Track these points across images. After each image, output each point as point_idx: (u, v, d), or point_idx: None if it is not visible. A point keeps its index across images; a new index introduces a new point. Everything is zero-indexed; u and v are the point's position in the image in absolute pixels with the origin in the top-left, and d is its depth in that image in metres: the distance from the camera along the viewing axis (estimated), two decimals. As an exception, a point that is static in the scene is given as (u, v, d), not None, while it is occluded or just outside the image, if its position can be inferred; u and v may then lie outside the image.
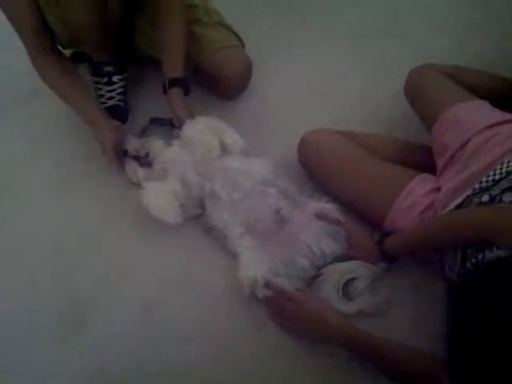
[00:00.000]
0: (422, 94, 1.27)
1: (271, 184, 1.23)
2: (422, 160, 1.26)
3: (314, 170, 1.30)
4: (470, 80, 1.26)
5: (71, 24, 1.27)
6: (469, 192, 1.03)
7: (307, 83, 1.56)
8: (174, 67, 1.31)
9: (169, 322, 1.20)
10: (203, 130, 1.26)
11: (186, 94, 1.33)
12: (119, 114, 1.50)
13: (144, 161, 1.33)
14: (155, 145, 1.31)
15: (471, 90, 1.21)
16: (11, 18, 1.23)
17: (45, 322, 1.23)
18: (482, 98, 1.18)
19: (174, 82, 1.31)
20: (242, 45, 1.50)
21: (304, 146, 1.31)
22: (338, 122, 1.41)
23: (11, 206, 1.42)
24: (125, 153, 1.33)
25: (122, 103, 1.51)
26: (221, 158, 1.26)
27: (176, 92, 1.30)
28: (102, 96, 1.50)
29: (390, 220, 1.15)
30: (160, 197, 1.22)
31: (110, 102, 1.50)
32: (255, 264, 1.14)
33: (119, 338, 1.19)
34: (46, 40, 1.29)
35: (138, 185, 1.32)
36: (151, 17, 1.38)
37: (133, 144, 1.34)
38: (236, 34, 1.48)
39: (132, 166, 1.33)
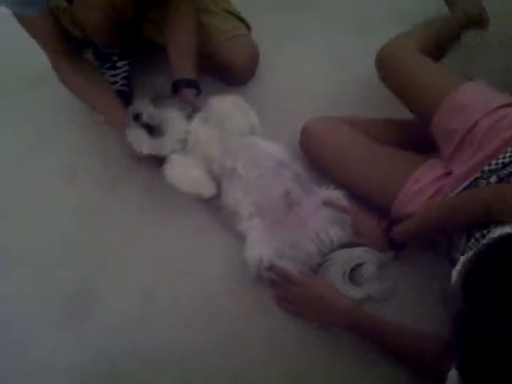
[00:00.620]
0: (405, 76, 1.22)
1: (287, 167, 1.22)
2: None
3: (317, 157, 1.30)
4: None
5: (83, 23, 1.26)
6: (477, 174, 1.03)
7: (312, 69, 1.56)
8: (187, 68, 1.30)
9: (171, 308, 1.20)
10: (233, 106, 1.24)
11: (198, 95, 1.33)
12: (123, 99, 1.47)
13: (158, 130, 1.22)
14: (174, 115, 1.23)
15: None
16: (38, 42, 1.26)
17: (47, 309, 1.22)
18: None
19: (187, 83, 1.29)
20: (249, 29, 1.50)
21: (306, 134, 1.30)
22: (342, 108, 1.41)
23: (14, 193, 1.41)
24: (136, 117, 1.23)
25: (126, 88, 1.49)
26: (246, 137, 1.24)
27: (190, 93, 1.30)
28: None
29: (398, 206, 1.15)
30: (191, 169, 1.19)
31: (114, 87, 1.48)
32: (261, 244, 1.13)
33: (121, 325, 1.18)
34: (69, 49, 1.30)
35: (139, 159, 1.27)
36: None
37: (149, 110, 1.23)
38: (242, 19, 1.48)
39: (139, 136, 1.23)
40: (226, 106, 1.24)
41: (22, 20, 1.20)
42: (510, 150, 1.00)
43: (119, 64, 1.48)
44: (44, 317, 1.21)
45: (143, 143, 1.22)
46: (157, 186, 1.35)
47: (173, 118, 1.23)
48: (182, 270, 1.25)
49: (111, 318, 1.20)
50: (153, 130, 1.22)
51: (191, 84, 1.29)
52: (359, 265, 1.17)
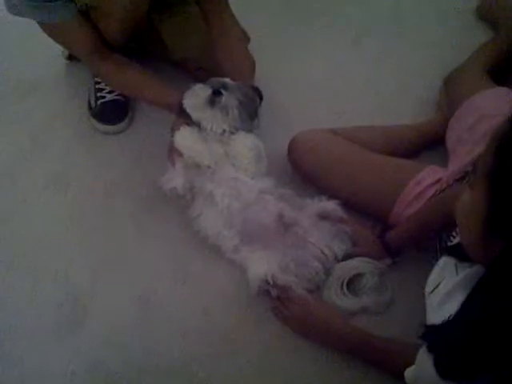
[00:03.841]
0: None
1: (268, 192, 1.20)
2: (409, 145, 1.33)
3: (309, 169, 1.27)
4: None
5: (102, 29, 1.24)
6: (469, 169, 1.04)
7: (309, 81, 1.57)
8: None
9: (166, 318, 1.19)
10: (250, 148, 1.19)
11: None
12: (118, 108, 1.48)
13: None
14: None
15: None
16: (66, 46, 1.25)
17: (42, 315, 1.20)
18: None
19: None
20: (247, 40, 1.50)
21: (297, 146, 1.29)
22: (338, 118, 1.43)
23: (5, 202, 1.39)
24: (215, 93, 1.17)
25: (121, 97, 1.49)
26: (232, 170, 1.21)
27: None
28: (102, 90, 1.48)
29: (397, 213, 1.14)
30: (196, 141, 1.18)
31: (109, 97, 1.47)
32: (265, 261, 1.12)
33: (117, 333, 1.17)
34: (103, 47, 1.27)
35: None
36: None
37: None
38: (241, 30, 1.47)
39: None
40: (244, 144, 1.20)
41: (50, 29, 1.18)
42: None
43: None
44: (38, 327, 1.19)
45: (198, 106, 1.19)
46: (151, 194, 1.35)
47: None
48: (176, 279, 1.23)
49: (106, 327, 1.18)
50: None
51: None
52: (358, 276, 1.16)
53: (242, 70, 1.31)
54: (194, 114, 1.20)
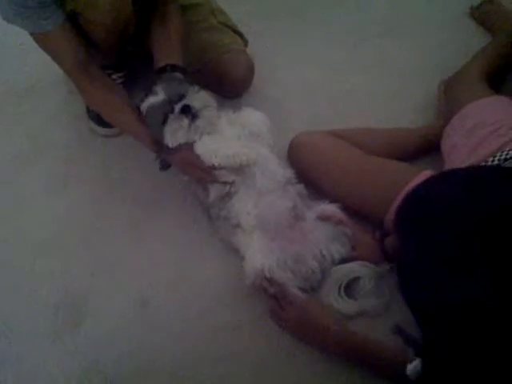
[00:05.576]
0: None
1: (293, 185, 1.22)
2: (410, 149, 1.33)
3: (308, 170, 1.28)
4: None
5: (91, 34, 1.24)
6: None
7: (306, 83, 1.57)
8: (173, 55, 1.25)
9: (165, 318, 1.19)
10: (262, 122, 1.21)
11: None
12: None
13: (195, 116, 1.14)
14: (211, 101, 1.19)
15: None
16: (53, 56, 1.20)
17: (40, 317, 1.21)
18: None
19: (174, 68, 1.22)
20: (245, 43, 1.51)
21: (296, 148, 1.30)
22: (336, 120, 1.43)
23: (4, 203, 1.40)
24: (183, 109, 1.12)
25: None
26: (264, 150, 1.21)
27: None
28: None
29: (390, 219, 1.14)
30: (224, 143, 1.14)
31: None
32: (263, 254, 1.12)
33: (115, 334, 1.17)
34: (92, 68, 1.23)
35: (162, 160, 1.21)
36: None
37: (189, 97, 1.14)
38: (239, 33, 1.49)
39: (179, 126, 1.14)
40: (257, 118, 1.21)
41: (39, 37, 1.16)
42: (498, 154, 1.04)
43: (114, 76, 1.48)
44: (36, 328, 1.19)
45: (179, 132, 1.15)
46: (149, 197, 1.36)
47: (209, 103, 1.18)
48: (174, 281, 1.24)
49: (103, 329, 1.18)
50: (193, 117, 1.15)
51: (179, 70, 1.22)
52: (355, 279, 1.16)
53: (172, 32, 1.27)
54: (190, 134, 1.15)
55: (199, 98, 1.17)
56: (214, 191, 1.18)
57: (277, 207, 1.17)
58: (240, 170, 1.15)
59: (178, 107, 1.13)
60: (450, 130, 1.23)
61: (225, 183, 1.16)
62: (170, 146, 1.16)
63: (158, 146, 1.19)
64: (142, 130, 1.21)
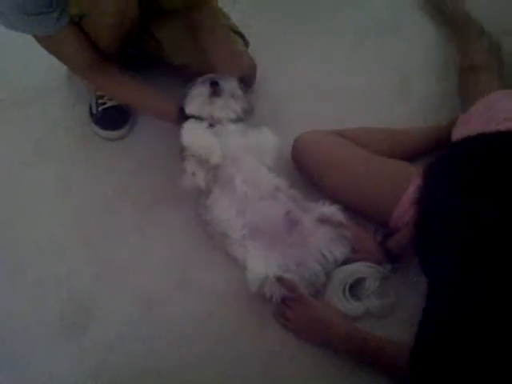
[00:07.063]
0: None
1: (282, 191, 1.21)
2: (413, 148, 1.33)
3: (311, 170, 1.28)
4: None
5: (94, 38, 1.24)
6: None
7: (309, 82, 1.56)
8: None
9: (169, 320, 1.20)
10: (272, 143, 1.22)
11: None
12: (119, 114, 1.48)
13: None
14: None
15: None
16: (62, 59, 1.23)
17: (46, 321, 1.21)
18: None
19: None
20: (247, 45, 1.50)
21: (300, 147, 1.29)
22: (338, 119, 1.42)
23: (9, 207, 1.40)
24: (214, 92, 1.23)
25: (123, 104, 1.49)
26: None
27: None
28: (103, 96, 1.48)
29: (396, 217, 1.14)
30: (205, 136, 1.17)
31: (110, 103, 1.48)
32: (265, 261, 1.12)
33: (120, 337, 1.18)
34: (101, 60, 1.28)
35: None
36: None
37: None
38: (241, 34, 1.48)
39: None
40: (270, 138, 1.22)
41: (46, 42, 1.17)
42: None
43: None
44: (42, 332, 1.20)
45: (197, 99, 1.23)
46: (153, 200, 1.36)
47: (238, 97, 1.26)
48: (179, 284, 1.24)
49: (109, 331, 1.19)
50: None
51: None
52: (360, 280, 1.16)
53: (227, 66, 1.33)
54: (204, 110, 1.22)
55: (232, 86, 1.25)
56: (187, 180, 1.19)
57: (269, 215, 1.17)
58: (210, 167, 1.16)
59: (209, 79, 1.23)
60: (467, 119, 1.19)
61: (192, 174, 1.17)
62: (185, 110, 1.24)
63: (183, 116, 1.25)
64: (166, 103, 1.30)
